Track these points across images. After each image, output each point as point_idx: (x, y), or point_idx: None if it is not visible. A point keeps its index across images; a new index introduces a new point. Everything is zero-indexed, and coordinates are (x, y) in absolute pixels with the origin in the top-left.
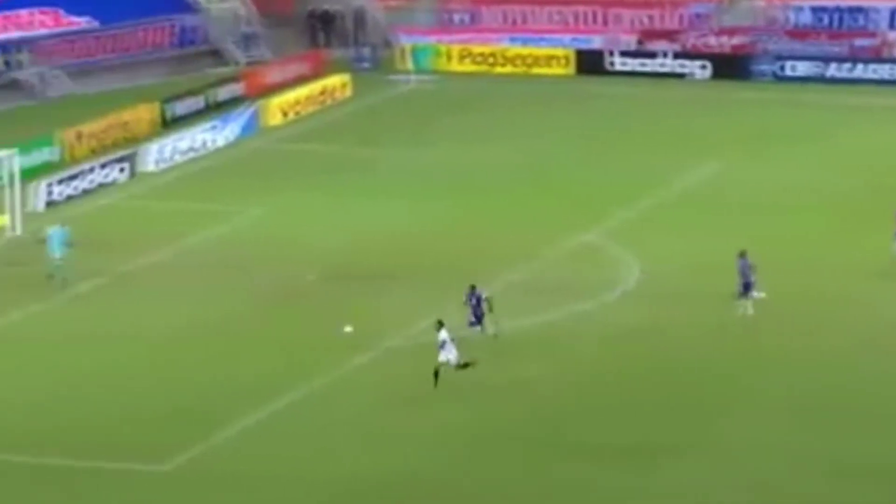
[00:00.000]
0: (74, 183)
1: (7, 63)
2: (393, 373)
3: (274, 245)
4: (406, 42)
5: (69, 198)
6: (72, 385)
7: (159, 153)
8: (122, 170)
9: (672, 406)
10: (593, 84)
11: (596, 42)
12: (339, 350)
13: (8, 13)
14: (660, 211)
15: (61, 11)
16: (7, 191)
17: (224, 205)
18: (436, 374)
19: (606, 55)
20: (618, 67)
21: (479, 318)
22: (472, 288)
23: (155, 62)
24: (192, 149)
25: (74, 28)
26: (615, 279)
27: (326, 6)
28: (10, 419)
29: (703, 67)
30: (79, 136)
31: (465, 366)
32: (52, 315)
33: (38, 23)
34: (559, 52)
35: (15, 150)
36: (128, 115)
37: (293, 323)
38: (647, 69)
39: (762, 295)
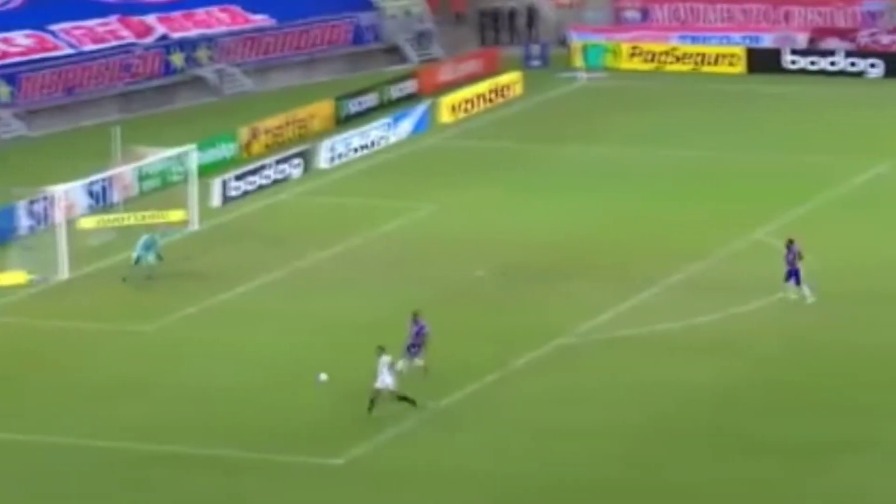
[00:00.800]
0: (250, 178)
1: (186, 60)
2: (564, 370)
3: (445, 241)
4: (577, 40)
5: (245, 193)
6: (247, 377)
7: (333, 150)
8: (296, 166)
9: (848, 405)
10: (764, 82)
11: (766, 40)
12: (509, 346)
13: (187, 11)
14: (831, 210)
15: (238, 9)
16: (186, 186)
17: (396, 201)
18: (371, 402)
19: (778, 53)
20: (788, 66)
21: (416, 347)
22: (415, 315)
23: (331, 59)
24: (365, 145)
25: (252, 26)
26: (782, 278)
27: (499, 4)
28: (187, 410)
29: (874, 66)
30: (255, 133)
31: (404, 399)
32: (227, 308)
33: (217, 21)
34: (729, 49)
35: (194, 146)
36: (303, 112)
37: (463, 319)
38: (818, 68)
39: (808, 292)
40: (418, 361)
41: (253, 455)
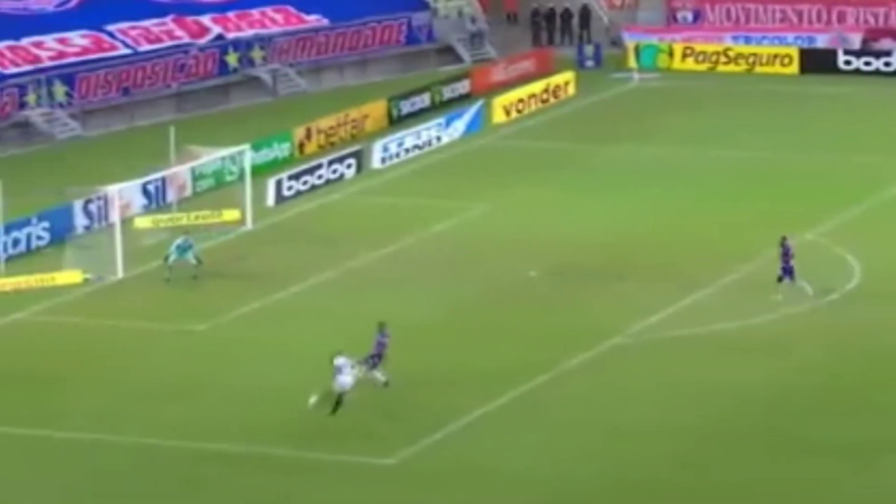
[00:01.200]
0: (304, 178)
1: (241, 60)
2: (616, 370)
3: (497, 241)
4: (629, 40)
5: (298, 193)
6: (299, 377)
7: (386, 150)
8: (349, 166)
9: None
10: (817, 83)
11: (820, 41)
12: (561, 346)
13: (242, 11)
14: (883, 211)
15: (293, 9)
16: (240, 186)
17: (449, 201)
18: (337, 403)
19: (833, 54)
20: (842, 66)
21: (377, 358)
22: (381, 326)
23: (384, 60)
24: (418, 146)
25: (306, 26)
26: (836, 279)
27: (552, 4)
28: (238, 410)
29: None
30: (308, 133)
31: (338, 404)
32: (280, 308)
33: (271, 21)
34: (783, 50)
35: (248, 146)
36: (356, 112)
37: (515, 319)
38: (872, 68)
39: (806, 286)
40: (377, 374)
41: (304, 454)
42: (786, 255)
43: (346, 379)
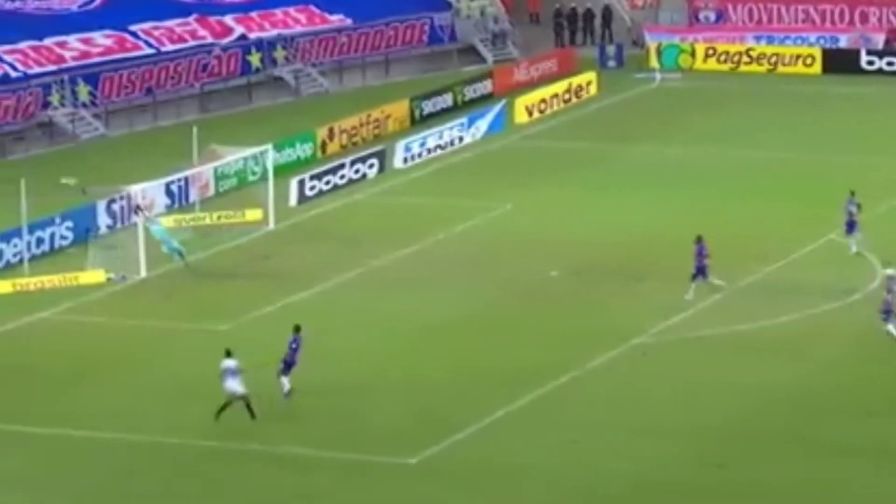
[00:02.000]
0: (326, 178)
1: (264, 60)
2: (638, 370)
3: (519, 241)
4: (651, 40)
5: (320, 193)
6: (322, 376)
7: (408, 150)
8: (371, 166)
9: None
10: (840, 83)
11: (843, 41)
12: (583, 346)
13: (265, 11)
14: None
15: (315, 9)
16: (263, 186)
17: (471, 201)
18: (224, 407)
19: (855, 54)
20: (865, 67)
21: (287, 364)
22: (297, 329)
23: (406, 60)
24: (440, 146)
25: (329, 26)
26: (858, 279)
27: (574, 5)
28: (261, 408)
29: None
30: (331, 133)
31: (226, 406)
32: (302, 308)
33: (294, 21)
34: (805, 50)
35: (270, 146)
36: (379, 112)
37: (537, 319)
38: (894, 68)
39: (720, 283)
40: (284, 380)
41: (327, 454)
42: (700, 254)
43: (233, 385)
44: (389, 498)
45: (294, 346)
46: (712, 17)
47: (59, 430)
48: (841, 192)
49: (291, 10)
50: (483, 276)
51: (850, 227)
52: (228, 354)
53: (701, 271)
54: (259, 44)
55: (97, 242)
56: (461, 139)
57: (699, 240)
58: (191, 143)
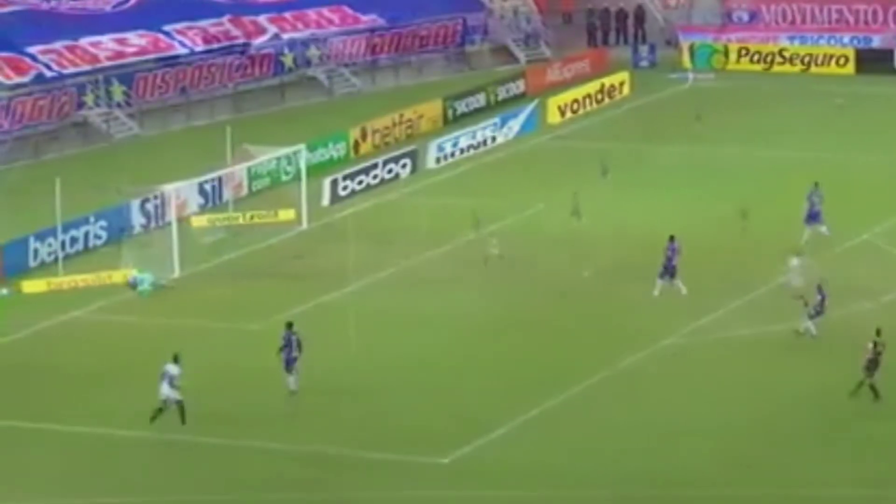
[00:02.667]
0: (359, 178)
1: (297, 60)
2: (670, 370)
3: (552, 240)
4: (684, 40)
5: (353, 193)
6: (354, 375)
7: (441, 150)
8: (404, 166)
9: None
10: (873, 83)
11: (876, 41)
12: (614, 346)
13: (298, 12)
14: None
15: (349, 10)
16: (296, 185)
17: (504, 201)
18: (159, 410)
19: (889, 54)
20: None
21: (290, 362)
22: (289, 326)
23: (439, 60)
24: (473, 146)
25: (362, 26)
26: (892, 280)
27: (607, 4)
28: (293, 407)
29: None
30: (363, 133)
31: (160, 412)
32: (335, 307)
33: (327, 21)
34: (838, 50)
35: (303, 146)
36: (412, 112)
37: (569, 318)
38: None
39: (682, 287)
40: (291, 380)
41: (359, 453)
42: (671, 252)
43: (167, 390)
44: (421, 497)
45: (285, 342)
46: (745, 17)
47: (92, 428)
48: (874, 192)
49: (325, 10)
50: (514, 276)
51: (812, 217)
52: (175, 360)
53: (669, 270)
54: (292, 44)
55: (131, 241)
56: (494, 139)
57: (672, 239)
58: (224, 143)
